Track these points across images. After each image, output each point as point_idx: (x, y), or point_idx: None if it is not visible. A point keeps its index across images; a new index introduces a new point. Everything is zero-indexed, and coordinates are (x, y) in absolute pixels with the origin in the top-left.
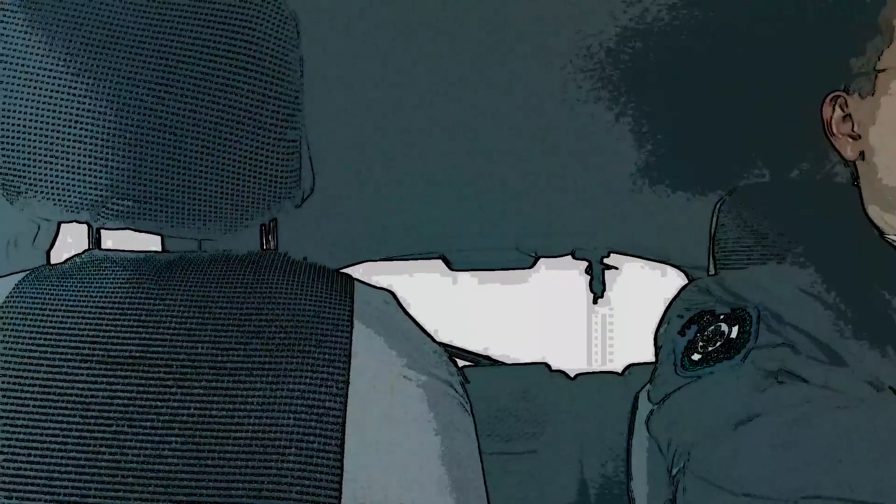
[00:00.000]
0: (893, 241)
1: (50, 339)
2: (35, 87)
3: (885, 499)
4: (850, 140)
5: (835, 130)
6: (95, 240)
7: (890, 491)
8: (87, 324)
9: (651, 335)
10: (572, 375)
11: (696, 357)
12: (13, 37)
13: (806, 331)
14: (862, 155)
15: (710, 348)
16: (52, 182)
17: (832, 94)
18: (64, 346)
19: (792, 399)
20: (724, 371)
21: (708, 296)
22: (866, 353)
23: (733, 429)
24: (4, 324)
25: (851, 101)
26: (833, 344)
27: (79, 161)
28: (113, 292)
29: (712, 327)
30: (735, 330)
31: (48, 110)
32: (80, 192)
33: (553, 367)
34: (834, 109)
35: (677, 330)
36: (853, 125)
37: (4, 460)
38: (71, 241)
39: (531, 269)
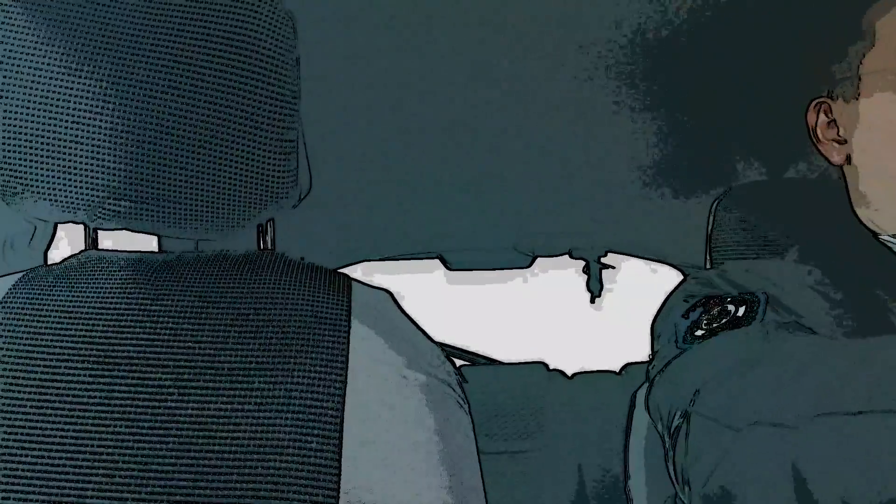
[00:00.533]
0: (887, 241)
1: (47, 340)
2: (31, 88)
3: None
4: (836, 145)
5: (820, 136)
6: (92, 240)
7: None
8: (84, 324)
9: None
10: (570, 375)
11: (699, 332)
12: (10, 37)
13: (811, 322)
14: (848, 159)
15: (714, 325)
16: (48, 182)
17: (816, 101)
18: (61, 347)
19: (799, 343)
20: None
21: (710, 287)
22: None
23: (740, 370)
24: (1, 325)
25: (836, 107)
26: (835, 336)
27: (75, 161)
28: (110, 293)
29: (718, 308)
30: (742, 309)
31: (45, 110)
32: (76, 193)
33: (551, 367)
34: (818, 115)
35: (681, 314)
36: (838, 130)
37: (1, 461)
38: (67, 241)
39: (529, 269)
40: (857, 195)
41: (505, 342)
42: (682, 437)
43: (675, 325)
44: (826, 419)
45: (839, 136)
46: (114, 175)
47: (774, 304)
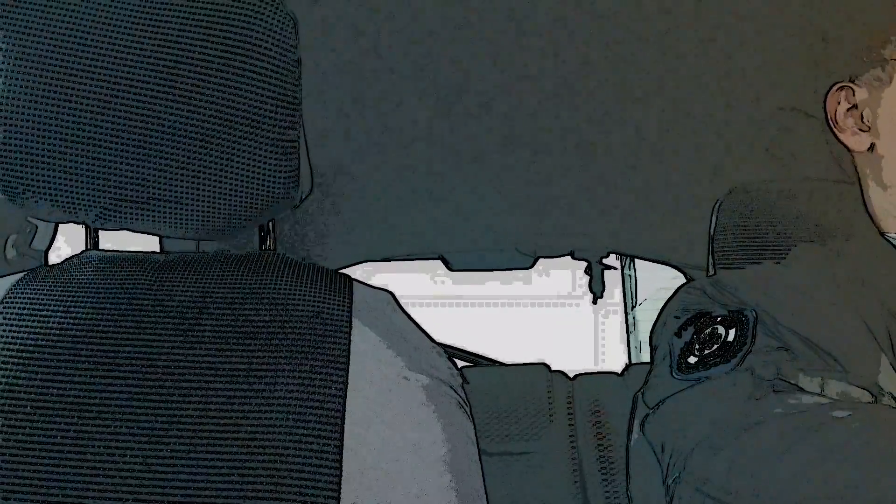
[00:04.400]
0: (893, 239)
1: (47, 340)
2: (34, 88)
3: None
4: (859, 132)
5: (840, 123)
6: (93, 240)
7: (886, 502)
8: (84, 325)
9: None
10: (572, 376)
11: (692, 360)
12: (12, 38)
13: (802, 334)
14: (871, 147)
15: (706, 351)
16: (50, 183)
17: (838, 86)
18: (61, 347)
19: (788, 409)
20: (721, 376)
21: (704, 297)
22: (864, 357)
23: (730, 439)
24: (1, 325)
25: (860, 92)
26: (830, 348)
27: (77, 162)
28: (110, 293)
29: (709, 330)
30: (732, 333)
31: (47, 111)
32: (78, 193)
33: (553, 368)
34: (839, 101)
35: (673, 331)
36: (862, 117)
37: (2, 461)
38: (68, 241)
39: (531, 269)
40: (876, 184)
41: (507, 343)
42: (676, 502)
43: (669, 343)
44: None
45: (863, 122)
46: (115, 176)
47: (766, 321)
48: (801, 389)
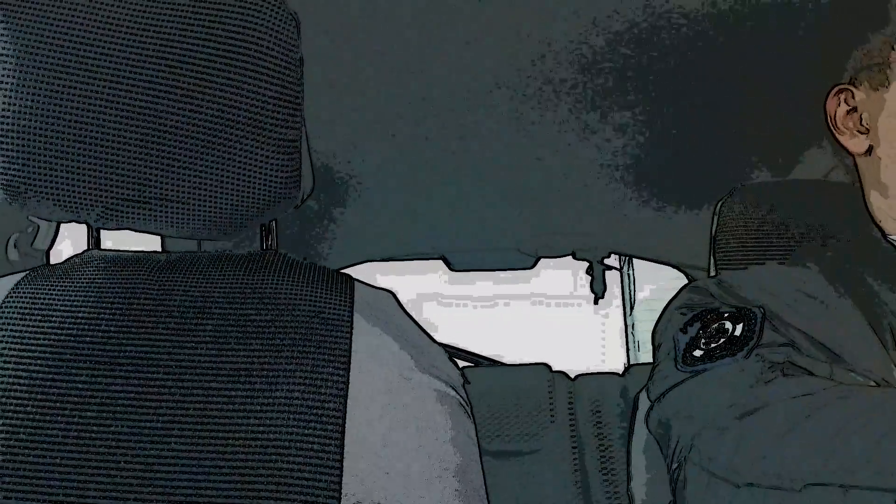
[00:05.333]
0: (894, 241)
1: (49, 340)
2: (36, 88)
3: (885, 482)
4: (858, 134)
5: (839, 125)
6: (95, 240)
7: (891, 474)
8: (86, 324)
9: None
10: (573, 376)
11: (697, 353)
12: (15, 38)
13: (807, 332)
14: (870, 150)
15: (712, 345)
16: (52, 182)
17: (838, 88)
18: (63, 347)
19: (797, 390)
20: (728, 365)
21: (708, 297)
22: (869, 356)
23: (738, 419)
24: (3, 324)
25: (859, 94)
26: (835, 346)
27: (79, 162)
28: (112, 293)
29: (716, 325)
30: (739, 328)
31: (49, 111)
32: (80, 193)
33: (554, 368)
34: (839, 103)
35: (679, 327)
36: (860, 119)
37: (3, 460)
38: (70, 241)
39: (532, 269)
40: (875, 186)
41: (508, 343)
42: (681, 485)
43: (674, 338)
44: (816, 490)
45: (861, 124)
46: (117, 175)
47: (772, 318)
48: (811, 374)
